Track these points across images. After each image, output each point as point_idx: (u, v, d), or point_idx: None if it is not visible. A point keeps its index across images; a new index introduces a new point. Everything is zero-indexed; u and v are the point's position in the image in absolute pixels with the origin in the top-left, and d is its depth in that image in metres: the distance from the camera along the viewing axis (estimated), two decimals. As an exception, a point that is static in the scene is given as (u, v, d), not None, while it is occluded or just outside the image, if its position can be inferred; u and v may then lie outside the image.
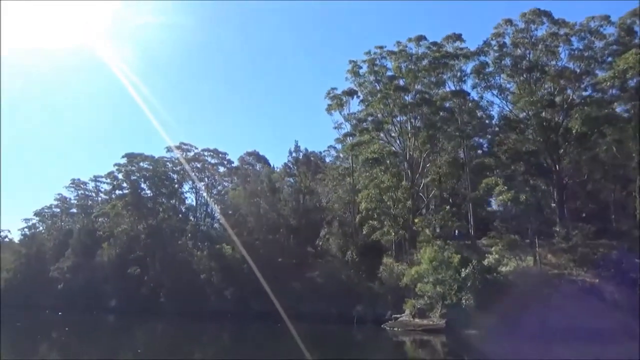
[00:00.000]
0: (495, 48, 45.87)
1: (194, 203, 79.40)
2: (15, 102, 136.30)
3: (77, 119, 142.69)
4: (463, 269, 30.62)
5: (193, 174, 79.73)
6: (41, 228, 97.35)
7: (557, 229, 33.34)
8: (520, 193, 31.25)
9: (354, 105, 53.08)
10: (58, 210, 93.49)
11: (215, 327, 47.15)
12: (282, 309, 49.01)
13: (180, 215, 63.67)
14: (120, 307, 60.40)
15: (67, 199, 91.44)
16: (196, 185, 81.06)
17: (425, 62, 43.59)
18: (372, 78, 45.33)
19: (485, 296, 29.61)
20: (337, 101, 47.70)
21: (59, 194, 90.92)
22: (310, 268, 53.52)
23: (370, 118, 50.36)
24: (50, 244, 79.82)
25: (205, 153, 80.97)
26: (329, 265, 52.07)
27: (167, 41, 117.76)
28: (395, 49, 42.97)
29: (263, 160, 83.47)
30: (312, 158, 62.33)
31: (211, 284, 54.16)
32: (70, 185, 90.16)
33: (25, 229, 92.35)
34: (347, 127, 55.68)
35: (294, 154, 62.15)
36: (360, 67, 45.12)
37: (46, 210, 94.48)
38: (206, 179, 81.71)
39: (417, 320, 31.79)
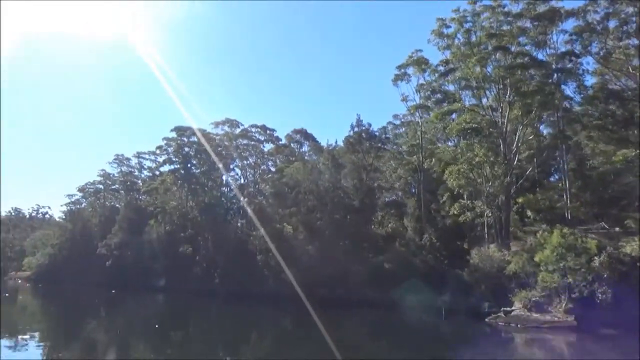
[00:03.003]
0: (601, 7, 40.08)
1: (241, 180, 76.40)
2: (55, 82, 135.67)
3: (119, 97, 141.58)
4: (596, 257, 25.76)
5: (239, 151, 76.83)
6: (84, 204, 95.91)
7: None
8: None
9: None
10: (101, 186, 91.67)
11: (279, 312, 43.50)
12: (348, 294, 45.42)
13: (233, 193, 60.17)
14: (170, 286, 57.51)
15: (111, 175, 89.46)
16: (244, 162, 77.99)
17: (522, 22, 38.20)
18: (459, 40, 40.06)
19: (627, 289, 24.71)
20: (420, 66, 42.80)
21: (102, 170, 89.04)
22: (375, 251, 49.40)
23: (440, 89, 45.77)
24: (96, 220, 77.74)
25: (253, 129, 77.57)
26: (399, 248, 47.76)
27: (206, 16, 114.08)
28: (492, 4, 37.52)
29: (311, 138, 79.55)
30: (375, 134, 57.47)
31: (269, 266, 50.47)
32: (114, 161, 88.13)
33: (70, 205, 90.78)
34: (415, 100, 51.61)
35: (355, 129, 57.50)
36: (449, 27, 39.87)
37: (89, 187, 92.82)
38: (254, 157, 78.38)
39: (535, 315, 27.10)
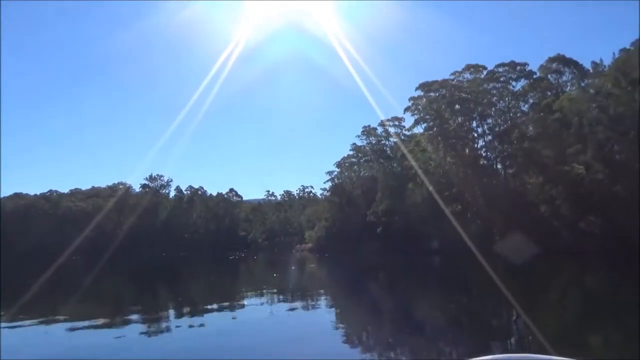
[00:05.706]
0: None
1: (497, 128, 69.44)
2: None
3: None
4: None
5: (488, 96, 69.79)
6: (342, 179, 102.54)
7: None
8: None
9: None
10: (355, 159, 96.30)
11: (583, 269, 36.21)
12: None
13: (494, 143, 54.41)
14: (444, 248, 55.40)
15: (361, 147, 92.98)
16: (495, 108, 70.78)
17: None
18: None
19: None
20: None
21: (353, 144, 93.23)
22: None
23: None
24: (359, 191, 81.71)
25: (500, 69, 69.65)
26: None
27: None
28: None
29: (572, 63, 67.02)
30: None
31: (559, 216, 43.32)
32: (362, 133, 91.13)
33: (331, 181, 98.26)
34: None
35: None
36: None
37: (345, 161, 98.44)
38: (505, 99, 70.34)
39: None
